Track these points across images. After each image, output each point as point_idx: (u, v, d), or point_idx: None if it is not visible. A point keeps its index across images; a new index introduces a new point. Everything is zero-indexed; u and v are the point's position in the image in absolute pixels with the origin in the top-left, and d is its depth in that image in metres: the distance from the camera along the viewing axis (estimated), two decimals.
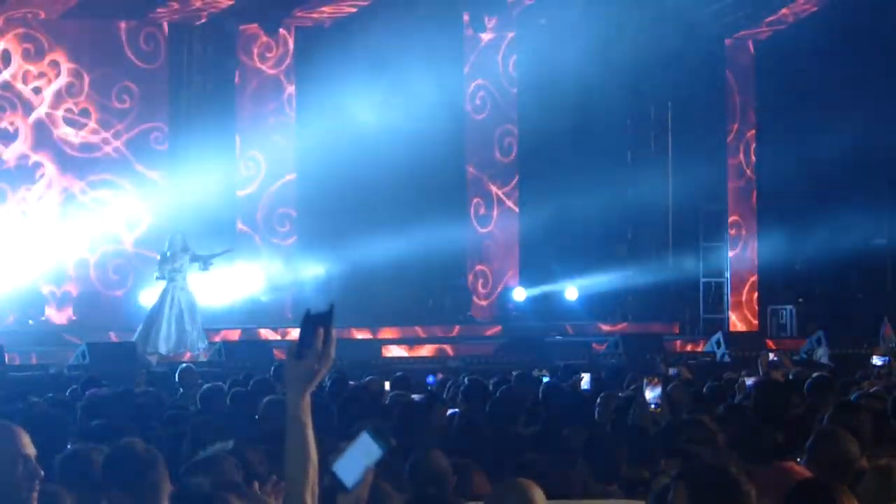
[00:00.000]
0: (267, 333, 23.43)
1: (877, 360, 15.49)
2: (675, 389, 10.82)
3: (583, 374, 13.06)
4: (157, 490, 4.97)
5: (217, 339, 21.79)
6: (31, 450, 4.64)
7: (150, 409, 9.66)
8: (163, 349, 20.26)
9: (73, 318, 24.05)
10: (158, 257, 21.02)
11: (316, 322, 4.10)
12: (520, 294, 26.74)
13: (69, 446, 6.68)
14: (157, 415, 9.47)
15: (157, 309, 20.49)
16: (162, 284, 20.80)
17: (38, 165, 24.64)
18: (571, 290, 26.51)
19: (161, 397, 10.96)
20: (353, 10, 25.48)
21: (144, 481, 4.95)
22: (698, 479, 4.88)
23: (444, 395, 12.02)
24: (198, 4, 24.47)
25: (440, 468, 6.59)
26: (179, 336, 20.37)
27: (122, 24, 25.08)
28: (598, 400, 10.24)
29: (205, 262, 21.22)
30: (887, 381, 12.39)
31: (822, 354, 19.86)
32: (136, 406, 9.53)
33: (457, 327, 25.11)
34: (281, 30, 25.84)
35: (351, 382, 13.34)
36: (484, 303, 27.09)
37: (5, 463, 4.58)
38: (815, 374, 11.80)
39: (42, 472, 4.62)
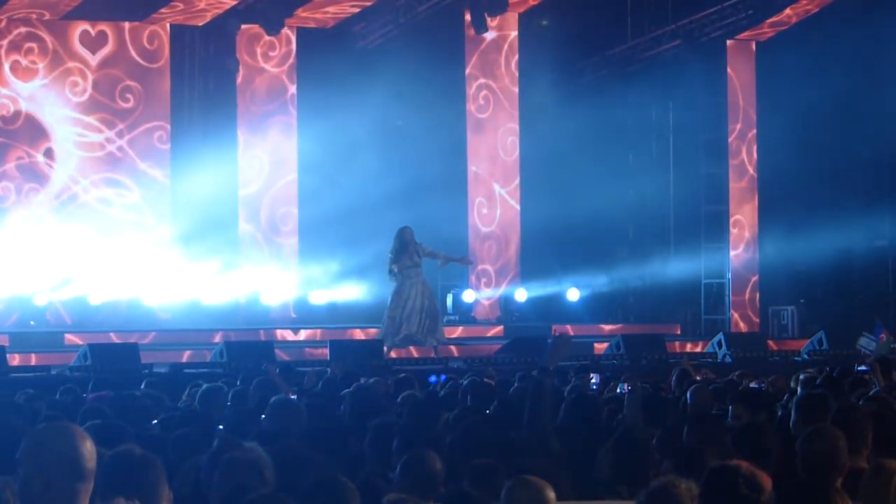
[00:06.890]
0: (269, 334, 23.43)
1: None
2: (697, 389, 10.75)
3: (591, 375, 13.08)
4: (156, 493, 5.00)
5: (218, 339, 21.79)
6: (92, 463, 4.57)
7: (150, 410, 9.67)
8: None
9: (74, 318, 24.05)
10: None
11: None
12: (521, 295, 26.70)
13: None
14: (156, 417, 9.48)
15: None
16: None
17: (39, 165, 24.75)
18: (573, 291, 26.53)
19: (162, 399, 10.96)
20: (356, 10, 25.55)
21: (144, 484, 4.98)
22: (712, 478, 4.85)
23: (446, 396, 12.00)
24: (200, 5, 24.49)
25: (433, 469, 6.58)
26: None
27: (125, 25, 25.12)
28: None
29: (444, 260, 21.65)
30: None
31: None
32: (136, 408, 9.52)
33: (458, 328, 25.09)
34: (283, 30, 25.84)
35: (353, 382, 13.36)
36: (486, 303, 27.06)
37: (65, 465, 4.54)
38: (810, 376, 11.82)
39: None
